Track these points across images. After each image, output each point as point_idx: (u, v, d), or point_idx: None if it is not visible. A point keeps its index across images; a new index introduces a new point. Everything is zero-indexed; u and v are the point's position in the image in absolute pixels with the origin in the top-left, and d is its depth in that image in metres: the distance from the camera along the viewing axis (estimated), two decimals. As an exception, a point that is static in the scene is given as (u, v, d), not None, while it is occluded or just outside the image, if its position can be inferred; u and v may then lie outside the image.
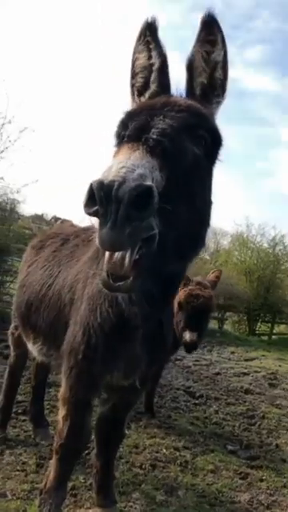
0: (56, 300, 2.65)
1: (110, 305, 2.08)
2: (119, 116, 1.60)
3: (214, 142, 1.59)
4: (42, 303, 2.79)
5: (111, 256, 1.28)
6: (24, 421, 3.98)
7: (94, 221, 1.21)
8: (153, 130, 1.38)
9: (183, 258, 1.61)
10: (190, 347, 4.09)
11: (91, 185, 1.14)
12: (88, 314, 2.19)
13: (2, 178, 8.94)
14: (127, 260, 1.24)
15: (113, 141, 1.62)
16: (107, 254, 1.29)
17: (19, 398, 4.25)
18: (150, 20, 1.77)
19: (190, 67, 1.73)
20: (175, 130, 1.42)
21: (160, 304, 1.83)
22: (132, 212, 1.12)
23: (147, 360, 2.19)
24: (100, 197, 1.12)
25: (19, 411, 4.14)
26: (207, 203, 1.62)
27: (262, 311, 18.94)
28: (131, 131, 1.42)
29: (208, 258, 22.66)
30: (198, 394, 6.15)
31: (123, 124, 1.54)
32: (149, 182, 1.14)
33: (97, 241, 1.19)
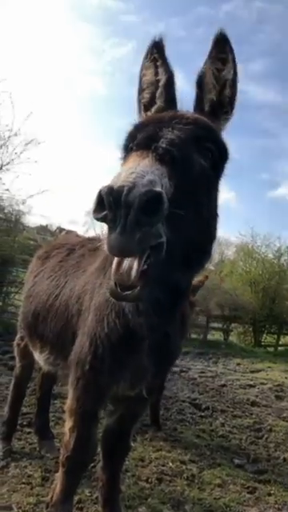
0: (63, 310, 2.65)
1: (116, 315, 2.07)
2: (126, 129, 1.63)
3: (220, 155, 1.61)
4: (49, 313, 2.79)
5: (119, 266, 1.28)
6: (29, 433, 3.95)
7: (103, 227, 1.22)
8: (162, 140, 1.39)
9: (189, 268, 1.60)
10: None
11: (100, 191, 1.14)
12: (95, 325, 2.19)
13: (7, 190, 9.01)
14: (134, 270, 1.24)
15: (120, 154, 1.65)
16: (115, 263, 1.29)
17: (24, 409, 4.23)
18: (157, 38, 1.83)
19: (200, 83, 1.76)
20: (183, 140, 1.43)
21: (167, 315, 1.83)
22: (142, 217, 1.12)
23: (153, 371, 2.17)
24: (109, 202, 1.12)
25: (24, 423, 4.11)
26: (213, 215, 1.63)
27: (268, 322, 18.82)
28: (140, 140, 1.44)
29: (213, 268, 22.61)
30: (203, 407, 6.09)
31: (131, 136, 1.56)
32: (158, 188, 1.15)
33: (105, 246, 1.19)
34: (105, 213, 1.15)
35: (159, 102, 1.83)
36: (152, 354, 2.08)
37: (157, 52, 1.83)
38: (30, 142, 8.90)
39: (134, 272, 1.24)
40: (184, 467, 3.90)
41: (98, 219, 1.18)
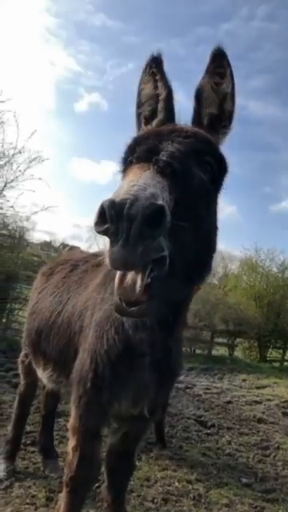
0: (66, 327, 2.64)
1: (116, 331, 2.06)
2: (126, 142, 1.64)
3: (219, 168, 1.61)
4: (51, 330, 2.79)
5: (122, 280, 1.27)
6: (33, 452, 3.90)
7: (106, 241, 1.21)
8: (162, 153, 1.40)
9: (190, 281, 1.60)
10: None
11: (102, 204, 1.13)
12: (95, 342, 2.18)
13: (11, 207, 9.09)
14: (139, 284, 1.23)
15: (119, 167, 1.66)
16: (117, 277, 1.28)
17: (28, 428, 4.19)
18: (155, 54, 1.85)
19: (199, 97, 1.78)
20: (183, 153, 1.44)
21: (168, 330, 1.83)
22: (145, 230, 1.11)
23: (155, 388, 2.14)
24: (111, 215, 1.11)
25: (28, 442, 4.06)
26: (213, 228, 1.64)
27: (273, 337, 18.66)
28: (140, 153, 1.45)
29: (216, 282, 22.54)
30: (209, 424, 6.01)
31: (130, 149, 1.57)
32: (161, 201, 1.14)
33: (107, 260, 1.18)
34: (107, 226, 1.14)
35: (160, 116, 1.84)
36: (153, 371, 2.06)
37: (155, 67, 1.85)
38: (34, 160, 9.00)
39: (138, 287, 1.23)
40: (190, 487, 3.83)
41: (99, 232, 1.17)
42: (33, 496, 3.18)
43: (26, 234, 10.77)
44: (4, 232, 9.84)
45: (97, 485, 3.24)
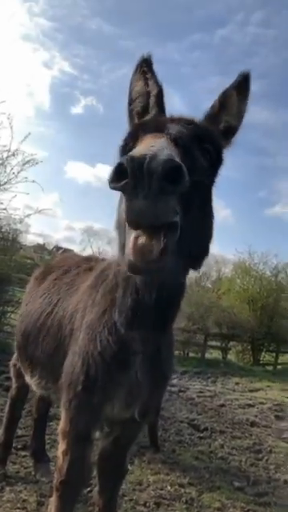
0: (56, 331, 2.60)
1: (109, 332, 2.03)
2: (123, 135, 1.63)
3: (217, 157, 1.64)
4: (40, 332, 2.73)
5: (136, 242, 1.22)
6: (24, 456, 3.87)
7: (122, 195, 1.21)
8: (171, 131, 1.43)
9: (190, 263, 1.62)
10: None
11: (121, 160, 1.13)
12: (87, 344, 2.14)
13: (5, 210, 9.04)
14: (155, 246, 1.19)
15: (117, 155, 1.62)
16: (131, 240, 1.23)
17: (19, 432, 4.15)
18: (145, 55, 1.91)
19: (224, 102, 1.83)
20: (188, 136, 1.47)
21: (159, 327, 1.84)
22: (165, 185, 1.11)
23: (148, 388, 2.12)
24: (132, 168, 1.10)
25: (19, 446, 4.02)
26: (212, 216, 1.66)
27: (266, 340, 18.68)
28: (150, 126, 1.48)
29: (210, 286, 22.59)
30: (202, 427, 6.00)
31: (132, 135, 1.57)
32: (179, 161, 1.15)
33: (125, 214, 1.18)
34: (125, 181, 1.12)
35: (153, 111, 1.86)
36: (146, 370, 2.04)
37: (146, 66, 1.90)
38: (28, 162, 8.96)
39: (155, 248, 1.19)
40: (183, 490, 3.82)
41: (115, 188, 1.17)
42: (24, 500, 3.15)
43: (19, 236, 10.71)
44: (-3, 234, 9.78)
45: (88, 489, 3.22)
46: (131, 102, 1.95)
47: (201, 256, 1.64)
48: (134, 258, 1.22)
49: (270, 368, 17.44)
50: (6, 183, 8.90)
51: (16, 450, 3.94)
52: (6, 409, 3.69)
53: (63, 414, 2.28)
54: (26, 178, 8.94)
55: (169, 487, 3.83)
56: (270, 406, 8.45)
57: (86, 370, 2.11)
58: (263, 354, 19.05)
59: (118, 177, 1.14)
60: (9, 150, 8.82)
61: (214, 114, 1.83)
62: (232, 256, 22.32)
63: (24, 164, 8.94)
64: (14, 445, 3.82)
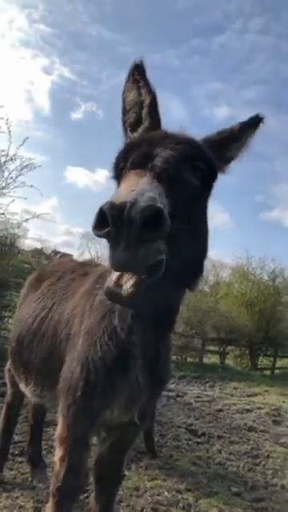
0: (51, 335, 2.58)
1: (109, 337, 2.03)
2: (118, 149, 1.65)
3: (210, 174, 1.65)
4: (34, 338, 2.71)
5: (119, 278, 1.27)
6: (21, 462, 3.86)
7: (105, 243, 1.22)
8: (157, 158, 1.42)
9: (184, 285, 1.66)
10: None
11: (101, 207, 1.13)
12: (86, 349, 2.13)
13: (2, 214, 9.04)
14: (134, 279, 1.24)
15: (111, 172, 1.67)
16: (115, 275, 1.28)
17: (16, 438, 4.13)
18: (137, 61, 1.87)
19: (240, 136, 1.86)
20: (177, 159, 1.47)
21: (159, 331, 1.87)
22: (145, 233, 1.12)
23: (148, 393, 2.11)
24: (113, 217, 1.11)
25: (16, 452, 4.01)
26: (206, 232, 1.68)
27: (264, 345, 18.67)
28: (135, 158, 1.47)
29: (208, 290, 22.56)
30: (200, 432, 5.98)
31: (123, 155, 1.59)
32: (160, 205, 1.16)
33: (109, 263, 1.19)
34: (108, 229, 1.14)
35: (146, 122, 1.85)
36: (145, 374, 2.04)
37: (138, 74, 1.87)
38: (26, 167, 8.96)
39: (133, 281, 1.24)
40: (180, 496, 3.80)
41: (99, 236, 1.18)
42: (20, 507, 3.14)
43: (17, 241, 10.71)
44: (-6, 239, 9.78)
45: (85, 495, 3.20)
46: (124, 111, 1.94)
47: (195, 277, 1.67)
48: (114, 286, 1.27)
49: (267, 372, 17.41)
50: (3, 188, 8.91)
51: (13, 455, 3.92)
52: (2, 415, 3.67)
53: (60, 420, 2.26)
54: (23, 182, 8.95)
55: (166, 493, 3.81)
56: (268, 410, 8.43)
57: (86, 376, 2.10)
58: (261, 358, 19.04)
59: (101, 223, 1.15)
60: (7, 155, 8.85)
61: (228, 140, 1.86)
62: (230, 260, 22.38)
63: (22, 169, 8.96)
64: (10, 451, 3.80)
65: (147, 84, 1.86)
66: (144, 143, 1.56)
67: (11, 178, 8.92)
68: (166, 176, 1.36)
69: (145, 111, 1.86)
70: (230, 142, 1.86)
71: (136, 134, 1.87)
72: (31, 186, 9.06)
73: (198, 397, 8.64)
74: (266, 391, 11.50)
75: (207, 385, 10.92)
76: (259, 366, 18.29)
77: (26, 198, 9.21)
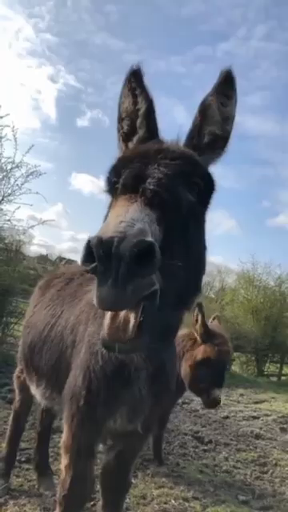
0: (58, 341, 2.59)
1: None
2: (111, 162, 1.61)
3: (207, 187, 1.61)
4: (44, 344, 2.73)
5: (113, 320, 1.23)
6: (28, 469, 3.85)
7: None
8: (149, 180, 1.37)
9: (182, 307, 1.63)
10: (217, 404, 4.20)
11: (89, 241, 1.09)
12: (88, 357, 2.12)
13: (8, 221, 9.10)
14: (132, 324, 1.20)
15: (104, 186, 1.63)
16: (108, 317, 1.24)
17: (22, 445, 4.12)
18: (135, 66, 1.79)
19: (204, 112, 1.73)
20: (171, 178, 1.42)
21: (161, 343, 1.80)
22: (134, 269, 1.07)
23: (151, 403, 2.10)
24: (99, 254, 1.07)
25: (23, 459, 4.00)
26: (203, 250, 1.64)
27: (270, 351, 18.55)
28: (126, 180, 1.42)
29: (213, 296, 22.51)
30: (206, 440, 5.94)
31: (115, 170, 1.55)
32: (150, 238, 1.11)
33: (95, 300, 1.13)
34: (95, 264, 1.10)
35: (141, 132, 1.79)
36: (148, 385, 2.03)
37: (135, 80, 1.79)
38: (32, 174, 9.03)
39: (131, 327, 1.20)
40: (187, 504, 3.78)
41: (87, 271, 1.14)
42: (27, 515, 3.13)
43: (22, 247, 10.76)
44: (0, 245, 9.83)
45: (92, 503, 3.19)
46: (120, 120, 1.88)
47: (192, 297, 1.63)
48: (108, 336, 1.21)
49: (274, 379, 17.29)
50: (9, 195, 9.00)
51: (19, 462, 3.92)
52: (10, 421, 3.67)
53: (65, 429, 2.26)
54: (29, 189, 9.04)
55: (173, 501, 3.78)
56: (275, 417, 8.36)
57: (88, 385, 2.09)
58: (267, 364, 18.90)
59: (90, 256, 1.10)
60: (13, 162, 8.94)
61: (197, 129, 1.75)
62: (236, 266, 22.30)
63: (28, 176, 9.05)
64: (17, 458, 3.80)
65: (144, 91, 1.78)
66: (137, 159, 1.51)
67: (17, 184, 9.03)
68: (158, 200, 1.31)
69: (140, 120, 1.80)
70: (200, 127, 1.74)
71: (131, 144, 1.82)
72: (37, 192, 9.16)
73: (205, 404, 8.57)
74: (273, 398, 11.40)
75: (213, 391, 10.83)
76: (266, 373, 18.16)
77: (31, 205, 9.32)
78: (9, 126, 8.76)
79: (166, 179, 1.40)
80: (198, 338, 4.31)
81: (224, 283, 25.40)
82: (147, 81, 1.79)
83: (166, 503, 3.72)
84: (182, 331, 4.46)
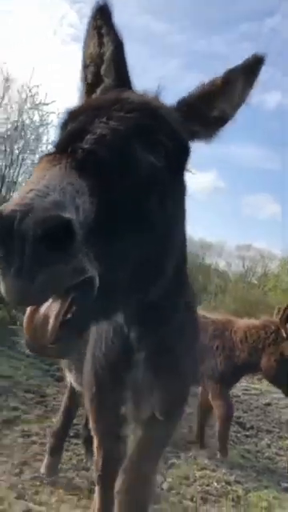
0: None
1: (115, 333, 1.88)
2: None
3: (178, 149, 1.32)
4: None
5: (31, 317, 1.00)
6: (76, 444, 4.03)
7: None
8: (87, 137, 1.08)
9: (140, 295, 1.38)
10: None
11: None
12: (94, 345, 2.07)
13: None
14: (51, 325, 0.97)
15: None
16: (27, 312, 1.02)
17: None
18: (101, 2, 1.51)
19: (225, 86, 1.50)
20: (120, 135, 1.14)
21: (153, 322, 1.68)
22: (42, 254, 0.83)
23: (158, 386, 1.97)
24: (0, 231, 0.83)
25: (71, 434, 4.17)
26: (173, 225, 1.35)
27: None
28: (62, 138, 1.15)
29: (256, 282, 22.15)
30: (248, 426, 5.96)
31: (61, 128, 1.28)
32: (67, 214, 0.86)
33: (2, 290, 0.89)
34: None
35: (107, 80, 1.52)
36: (151, 368, 1.90)
37: (101, 18, 1.51)
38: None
39: (49, 328, 0.97)
40: (229, 488, 3.84)
41: None
42: (76, 488, 3.29)
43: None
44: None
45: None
46: (84, 66, 1.59)
47: (151, 283, 1.36)
48: (28, 337, 1.00)
49: None
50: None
51: (69, 437, 4.09)
52: (64, 398, 3.78)
53: (88, 413, 2.31)
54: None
55: (215, 483, 3.86)
56: None
57: (95, 372, 2.07)
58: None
59: None
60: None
61: (210, 96, 1.49)
62: (279, 251, 21.76)
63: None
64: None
65: (112, 31, 1.50)
66: (86, 112, 1.22)
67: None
68: (91, 163, 1.01)
69: (105, 65, 1.52)
70: (214, 98, 1.50)
71: (94, 96, 1.54)
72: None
73: (246, 390, 8.55)
74: None
75: (255, 377, 10.76)
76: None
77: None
78: (54, 113, 8.91)
79: (112, 136, 1.11)
80: (284, 334, 4.59)
81: (267, 269, 24.86)
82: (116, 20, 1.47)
83: (208, 485, 3.80)
84: (244, 320, 5.11)
